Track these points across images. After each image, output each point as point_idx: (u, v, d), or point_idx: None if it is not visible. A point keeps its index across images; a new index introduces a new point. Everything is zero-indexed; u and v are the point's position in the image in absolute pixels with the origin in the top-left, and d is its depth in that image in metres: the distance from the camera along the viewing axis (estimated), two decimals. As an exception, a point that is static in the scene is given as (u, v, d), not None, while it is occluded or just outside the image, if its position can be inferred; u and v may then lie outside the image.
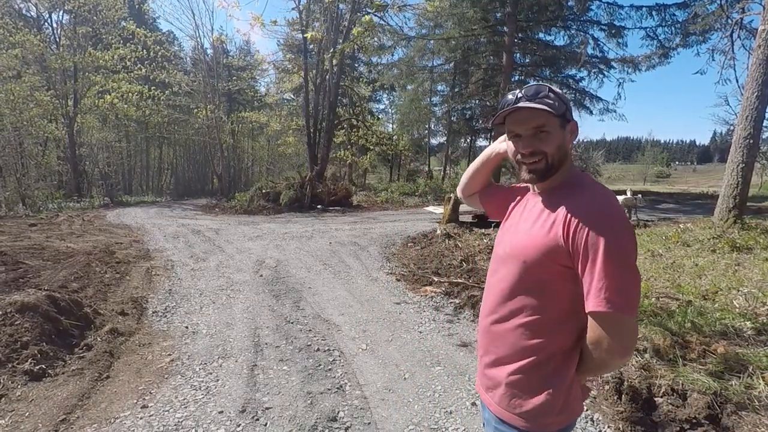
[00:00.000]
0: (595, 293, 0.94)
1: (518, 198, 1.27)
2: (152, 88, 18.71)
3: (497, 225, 1.50)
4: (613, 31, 17.44)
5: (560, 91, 1.09)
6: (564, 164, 1.09)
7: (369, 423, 2.41)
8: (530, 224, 1.09)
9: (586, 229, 0.96)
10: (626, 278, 0.94)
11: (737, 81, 11.76)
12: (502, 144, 1.26)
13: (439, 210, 11.66)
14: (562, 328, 1.04)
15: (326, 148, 16.91)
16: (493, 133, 21.44)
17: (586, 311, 0.97)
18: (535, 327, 1.05)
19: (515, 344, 1.08)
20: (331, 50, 12.11)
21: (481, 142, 31.28)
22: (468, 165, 1.50)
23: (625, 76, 18.44)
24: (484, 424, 1.25)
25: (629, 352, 0.98)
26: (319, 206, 13.87)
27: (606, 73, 19.18)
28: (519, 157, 1.09)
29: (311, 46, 16.76)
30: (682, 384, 2.62)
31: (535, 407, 1.05)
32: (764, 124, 8.61)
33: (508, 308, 1.09)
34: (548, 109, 1.02)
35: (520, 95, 1.05)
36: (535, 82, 1.11)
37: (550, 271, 1.02)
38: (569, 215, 0.99)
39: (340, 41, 14.91)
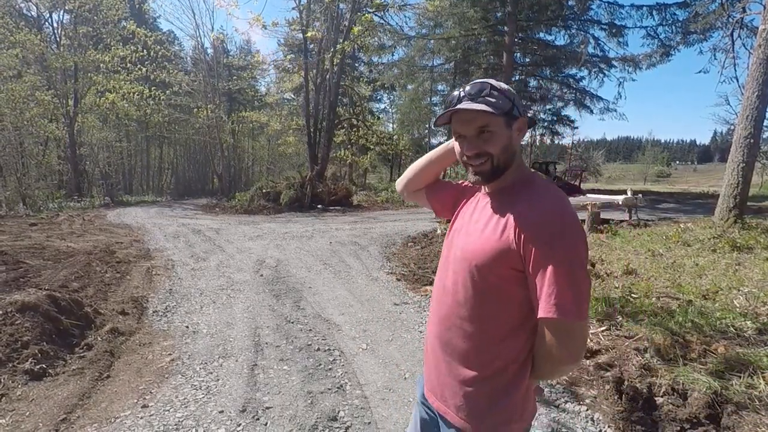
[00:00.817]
0: (546, 299, 0.91)
1: (467, 197, 1.23)
2: (152, 88, 18.72)
3: None
4: (614, 31, 17.46)
5: (506, 86, 1.02)
6: (512, 164, 1.05)
7: (369, 422, 2.41)
8: (482, 226, 1.04)
9: (539, 233, 0.93)
10: (577, 284, 0.91)
11: (738, 80, 11.77)
12: None
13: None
14: (516, 333, 1.01)
15: (326, 148, 16.91)
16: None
17: (537, 317, 0.94)
18: (491, 334, 1.02)
19: (470, 353, 1.04)
20: (332, 50, 12.07)
21: (481, 142, 31.24)
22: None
23: (626, 75, 18.50)
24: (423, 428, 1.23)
25: (579, 358, 0.97)
26: (319, 206, 13.88)
27: (606, 72, 19.22)
28: (465, 158, 1.05)
29: (311, 46, 16.77)
30: (683, 383, 2.62)
31: (496, 417, 1.02)
32: (765, 124, 8.61)
33: (462, 315, 1.05)
34: (488, 109, 0.97)
35: (462, 94, 1.00)
36: (480, 79, 1.04)
37: (501, 275, 0.98)
38: (521, 218, 0.96)
39: (341, 41, 14.92)
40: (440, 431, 1.12)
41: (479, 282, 1.01)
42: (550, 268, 0.90)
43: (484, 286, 1.01)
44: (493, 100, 0.98)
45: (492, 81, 1.02)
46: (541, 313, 0.92)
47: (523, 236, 0.93)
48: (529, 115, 1.08)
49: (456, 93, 1.03)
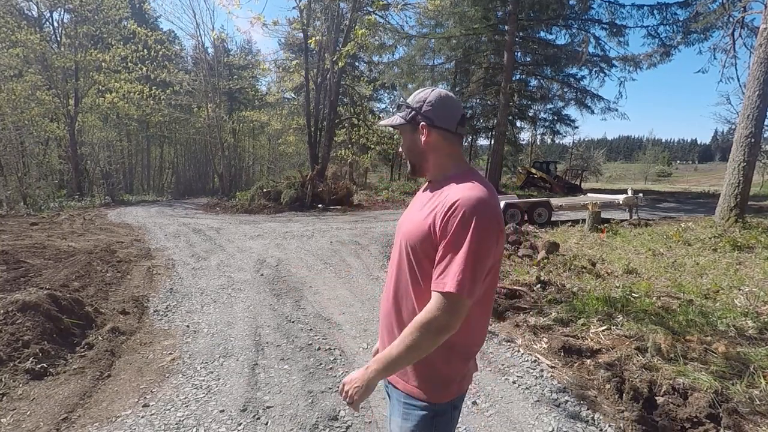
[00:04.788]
0: (451, 274, 1.01)
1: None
2: (153, 87, 18.71)
3: None
4: (615, 30, 17.41)
5: (421, 96, 1.19)
6: (426, 161, 1.22)
7: (370, 422, 2.41)
8: (417, 211, 1.20)
9: (448, 216, 1.06)
10: (477, 267, 1.02)
11: (738, 79, 11.77)
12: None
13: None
14: None
15: (327, 147, 16.91)
16: (493, 133, 21.43)
17: (440, 290, 1.02)
18: (421, 305, 1.11)
19: (407, 324, 1.14)
20: (335, 51, 12.00)
21: (481, 141, 31.26)
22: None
23: (627, 75, 18.42)
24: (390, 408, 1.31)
25: (452, 331, 1.04)
26: (320, 205, 13.87)
27: (607, 71, 19.16)
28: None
29: (312, 45, 16.75)
30: (684, 383, 2.62)
31: (441, 377, 1.14)
32: (766, 123, 8.60)
33: (401, 291, 1.18)
34: (387, 124, 1.25)
35: (394, 110, 1.26)
36: (420, 89, 1.26)
37: (424, 250, 1.10)
38: (446, 199, 1.09)
39: (341, 40, 14.90)
40: (394, 403, 1.22)
41: (411, 258, 1.14)
42: (460, 247, 1.02)
43: (413, 260, 1.13)
44: (402, 113, 1.22)
45: (413, 95, 1.22)
46: (444, 287, 1.02)
47: (445, 214, 1.06)
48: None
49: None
